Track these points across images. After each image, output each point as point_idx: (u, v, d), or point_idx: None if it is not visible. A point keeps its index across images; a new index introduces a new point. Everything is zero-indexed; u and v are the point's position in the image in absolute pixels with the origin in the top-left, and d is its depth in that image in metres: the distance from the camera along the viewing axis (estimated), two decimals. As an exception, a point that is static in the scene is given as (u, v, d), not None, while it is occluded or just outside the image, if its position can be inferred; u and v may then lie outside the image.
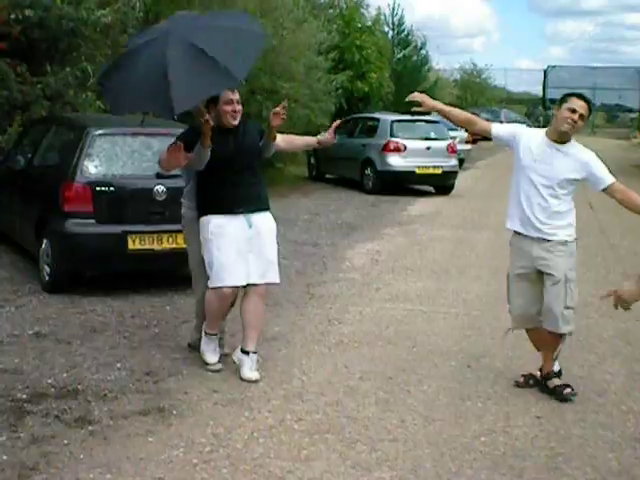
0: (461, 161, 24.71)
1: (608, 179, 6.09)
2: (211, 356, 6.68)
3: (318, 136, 7.04)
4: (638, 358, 7.37)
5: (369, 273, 10.57)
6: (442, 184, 20.20)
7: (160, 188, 8.63)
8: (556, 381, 6.35)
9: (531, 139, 6.27)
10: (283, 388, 6.25)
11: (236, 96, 6.50)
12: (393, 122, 20.72)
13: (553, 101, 71.55)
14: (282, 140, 6.85)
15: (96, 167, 8.68)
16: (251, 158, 6.58)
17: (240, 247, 6.40)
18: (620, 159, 36.92)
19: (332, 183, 22.07)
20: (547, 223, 6.13)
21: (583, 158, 6.15)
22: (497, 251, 11.45)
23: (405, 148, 19.67)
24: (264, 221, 6.59)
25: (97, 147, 8.73)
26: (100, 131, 8.86)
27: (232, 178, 6.45)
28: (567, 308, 6.18)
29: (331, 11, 29.79)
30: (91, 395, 5.93)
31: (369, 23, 32.80)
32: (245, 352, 6.48)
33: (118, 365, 6.63)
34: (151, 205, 8.67)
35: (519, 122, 48.85)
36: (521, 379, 6.52)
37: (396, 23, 41.16)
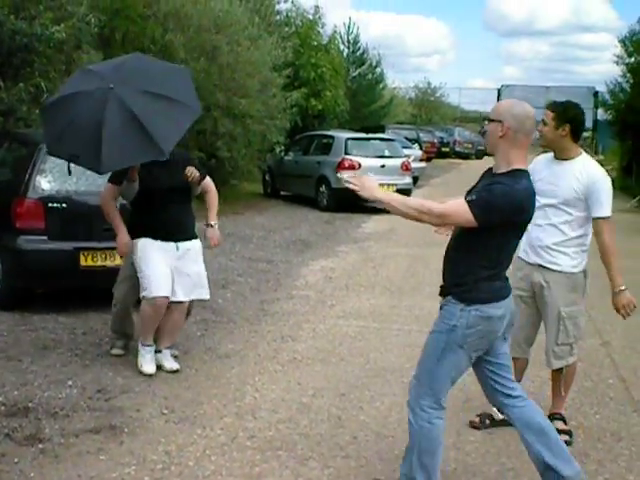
0: (415, 179, 24.86)
1: (606, 210, 5.64)
2: (149, 366, 6.91)
3: (208, 228, 7.30)
4: (588, 374, 7.45)
5: (323, 290, 10.58)
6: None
7: (113, 204, 8.58)
8: (559, 424, 5.78)
9: (536, 162, 5.86)
10: (236, 405, 6.24)
11: None
12: (348, 140, 20.82)
13: (506, 120, 72.69)
14: (205, 186, 7.24)
15: (48, 183, 8.60)
16: (181, 192, 6.98)
17: (168, 264, 6.84)
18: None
19: (287, 200, 22.11)
20: (551, 249, 5.76)
21: (591, 172, 5.63)
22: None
23: (360, 166, 19.73)
24: (191, 244, 7.05)
25: (50, 163, 8.65)
26: (53, 147, 8.78)
27: (163, 208, 6.85)
28: (559, 345, 5.82)
29: (287, 29, 29.86)
30: (42, 413, 5.87)
31: (325, 41, 32.93)
32: (158, 351, 7.06)
33: (69, 383, 6.57)
34: (103, 222, 8.58)
35: (473, 141, 49.02)
36: (476, 419, 6.11)
37: (351, 41, 41.44)
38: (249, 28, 20.40)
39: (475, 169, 38.67)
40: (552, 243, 5.75)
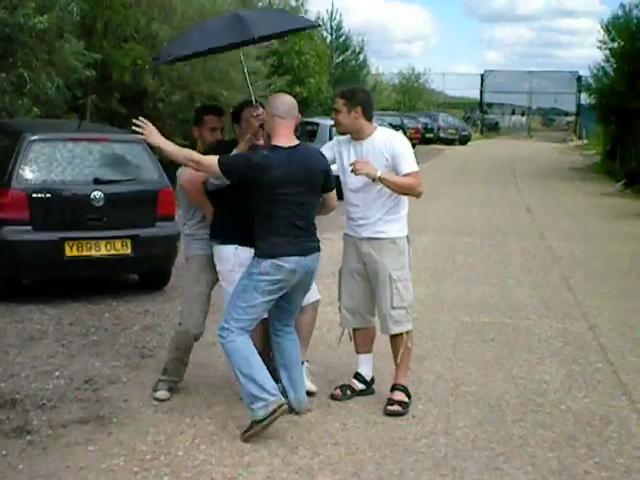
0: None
1: (412, 165, 5.99)
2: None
3: None
4: (576, 358, 7.46)
5: (310, 277, 10.55)
6: (381, 188, 20.15)
7: (98, 194, 8.56)
8: (400, 396, 6.04)
9: (341, 145, 6.32)
10: (224, 394, 6.22)
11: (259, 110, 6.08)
12: (332, 127, 20.71)
13: (490, 105, 72.80)
14: None
15: (32, 173, 8.55)
16: None
17: None
18: (557, 161, 37.57)
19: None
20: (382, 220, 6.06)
21: (389, 139, 6.03)
22: (436, 253, 11.54)
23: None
24: None
25: (33, 153, 8.60)
26: (36, 137, 8.74)
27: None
28: (394, 308, 6.04)
29: (270, 16, 29.74)
30: (29, 404, 5.85)
31: (308, 29, 32.84)
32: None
33: (57, 374, 6.54)
34: (88, 211, 8.59)
35: (457, 126, 49.15)
36: (337, 391, 6.25)
37: (334, 28, 41.38)
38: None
39: (460, 154, 38.59)
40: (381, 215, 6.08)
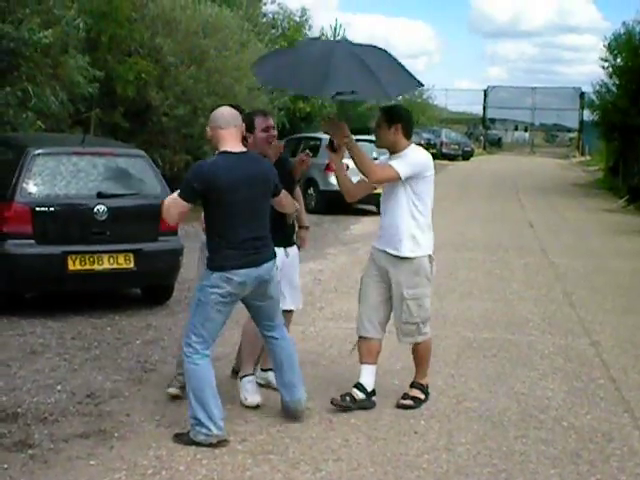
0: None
1: (395, 163, 6.30)
2: (253, 397, 6.37)
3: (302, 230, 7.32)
4: (578, 374, 7.45)
5: (312, 293, 10.56)
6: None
7: (101, 208, 8.58)
8: (414, 392, 6.51)
9: (382, 162, 6.64)
10: (226, 409, 6.19)
11: (271, 122, 6.47)
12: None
13: (493, 121, 72.88)
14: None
15: (36, 187, 8.56)
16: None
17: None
18: (560, 177, 37.60)
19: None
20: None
21: (414, 151, 6.39)
22: (438, 269, 11.50)
23: (347, 168, 19.65)
24: (293, 249, 6.90)
25: (37, 167, 8.61)
26: (40, 151, 8.76)
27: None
28: (404, 323, 6.33)
29: (274, 31, 29.86)
30: (31, 418, 5.84)
31: (311, 44, 32.91)
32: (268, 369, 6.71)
33: (58, 387, 6.54)
34: (92, 225, 8.60)
35: (460, 142, 49.17)
36: (338, 398, 6.35)
37: (338, 43, 41.41)
38: (237, 33, 20.40)
39: (462, 170, 38.65)
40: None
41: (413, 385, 6.55)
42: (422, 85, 6.80)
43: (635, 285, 11.95)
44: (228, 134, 5.67)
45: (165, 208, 5.63)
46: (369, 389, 6.39)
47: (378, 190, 6.63)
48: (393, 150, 6.37)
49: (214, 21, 19.33)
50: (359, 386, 6.38)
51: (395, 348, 7.38)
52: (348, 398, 6.31)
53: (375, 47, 6.56)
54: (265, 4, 29.83)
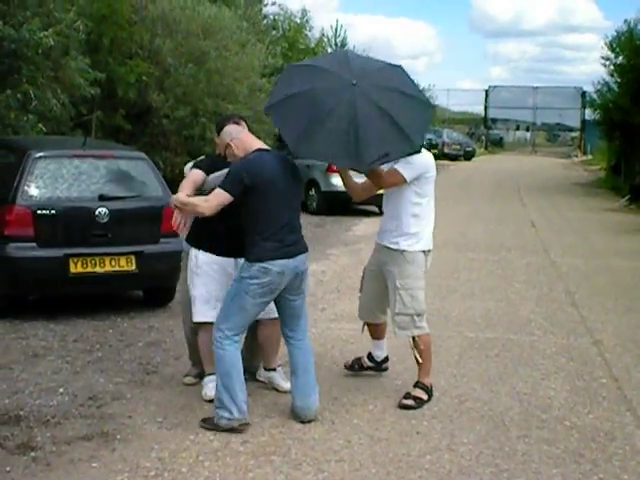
0: (405, 181, 24.80)
1: (400, 166, 6.35)
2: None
3: None
4: (581, 374, 7.45)
5: (314, 294, 10.54)
6: (386, 204, 20.14)
7: (102, 210, 8.58)
8: (417, 392, 6.56)
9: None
10: (228, 410, 6.21)
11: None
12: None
13: (494, 120, 72.82)
14: None
15: (37, 190, 8.56)
16: None
17: None
18: (561, 177, 37.58)
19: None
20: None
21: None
22: (440, 269, 11.52)
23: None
24: None
25: (38, 170, 8.61)
26: (41, 153, 8.76)
27: None
28: (397, 314, 6.46)
29: (274, 32, 29.86)
30: (33, 421, 5.84)
31: (312, 44, 32.95)
32: (272, 369, 6.79)
33: (61, 390, 6.54)
34: (93, 228, 8.60)
35: (461, 142, 49.18)
36: (349, 362, 7.20)
37: (339, 44, 41.40)
38: (237, 33, 20.39)
39: (464, 170, 38.61)
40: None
41: (417, 385, 6.59)
42: (433, 106, 6.81)
43: (637, 284, 11.95)
44: (247, 136, 5.99)
45: (203, 199, 5.78)
46: (378, 360, 7.06)
47: (380, 191, 6.68)
48: None
49: (213, 22, 19.31)
50: (369, 356, 7.09)
51: (397, 349, 7.39)
52: (357, 365, 7.13)
53: (382, 72, 6.52)
54: (266, 5, 29.82)
